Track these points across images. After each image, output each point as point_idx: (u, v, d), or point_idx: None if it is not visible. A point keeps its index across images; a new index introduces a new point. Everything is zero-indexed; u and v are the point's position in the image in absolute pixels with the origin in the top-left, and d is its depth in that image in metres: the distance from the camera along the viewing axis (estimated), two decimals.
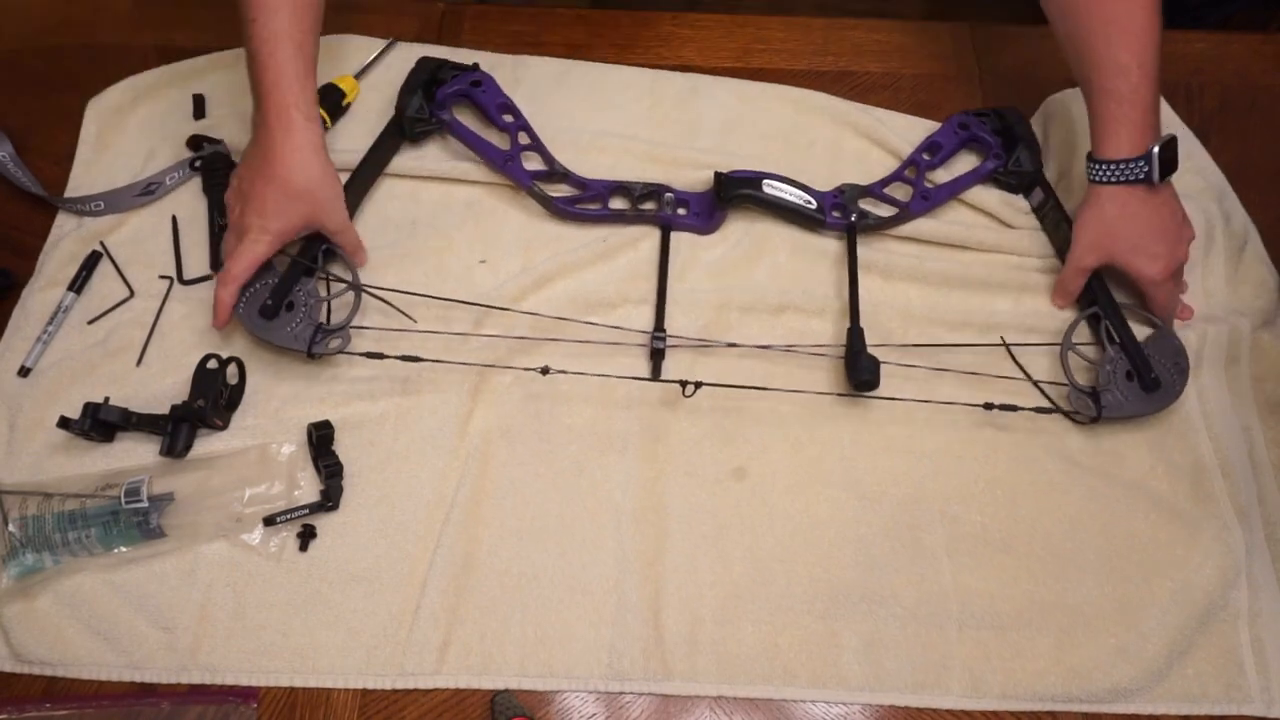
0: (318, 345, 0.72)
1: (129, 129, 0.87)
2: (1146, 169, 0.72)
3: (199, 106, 0.88)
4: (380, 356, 0.72)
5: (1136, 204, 0.74)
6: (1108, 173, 0.73)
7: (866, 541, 0.70)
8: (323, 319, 0.74)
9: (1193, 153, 0.89)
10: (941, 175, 0.86)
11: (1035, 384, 0.76)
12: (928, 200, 0.83)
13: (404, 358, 0.72)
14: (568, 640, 0.66)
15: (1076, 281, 0.78)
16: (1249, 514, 0.71)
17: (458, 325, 0.77)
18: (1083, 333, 0.79)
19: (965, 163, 0.88)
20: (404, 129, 0.85)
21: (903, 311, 0.80)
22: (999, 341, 0.78)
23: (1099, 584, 0.69)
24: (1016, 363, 0.78)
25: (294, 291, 0.74)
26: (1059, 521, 0.71)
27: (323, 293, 0.75)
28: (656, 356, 0.75)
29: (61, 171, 0.85)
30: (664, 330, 0.76)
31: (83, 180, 0.85)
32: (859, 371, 0.73)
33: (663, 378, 0.74)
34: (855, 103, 0.92)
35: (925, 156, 0.86)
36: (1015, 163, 0.85)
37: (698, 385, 0.72)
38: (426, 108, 0.85)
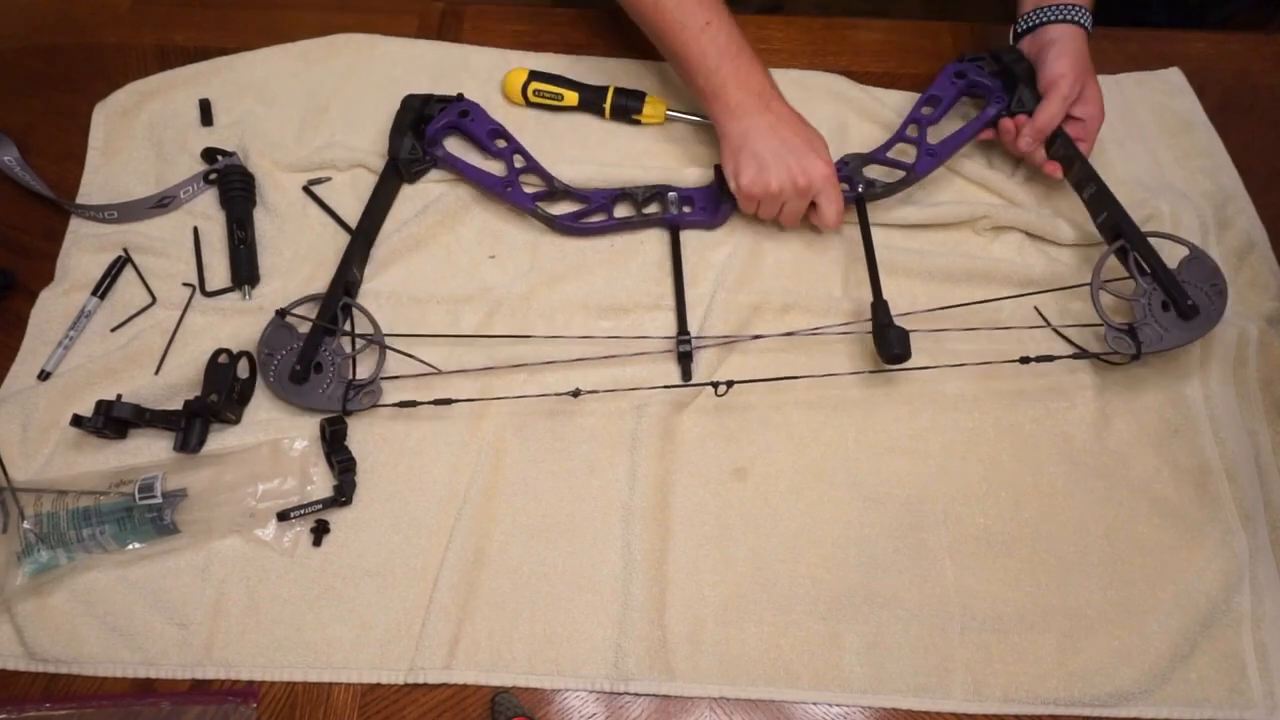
0: (351, 403, 0.67)
1: (137, 134, 0.82)
2: (1089, 15, 0.78)
3: (205, 112, 0.83)
4: (413, 404, 0.67)
5: (1082, 42, 0.78)
6: (1073, 13, 0.77)
7: (869, 543, 0.65)
8: (351, 375, 0.69)
9: (1211, 150, 0.84)
10: (944, 130, 0.80)
11: (1070, 342, 0.71)
12: (934, 157, 0.77)
13: (437, 402, 0.67)
14: (575, 639, 0.62)
15: (1058, 115, 0.75)
16: (1254, 518, 0.66)
17: (480, 339, 0.72)
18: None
19: (966, 113, 0.82)
20: (400, 172, 0.79)
21: (908, 307, 0.74)
22: (1027, 291, 0.73)
23: (1102, 587, 0.64)
24: (1041, 315, 0.73)
25: (320, 352, 0.69)
26: (1062, 524, 0.66)
27: (348, 349, 0.70)
28: (684, 360, 0.70)
29: (63, 171, 0.80)
30: (688, 333, 0.71)
31: (93, 184, 0.80)
32: (890, 345, 0.67)
33: (694, 381, 0.69)
34: (855, 82, 0.87)
35: (925, 111, 0.80)
36: (1018, 104, 0.78)
37: (730, 384, 0.67)
38: (419, 147, 0.78)
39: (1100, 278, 0.70)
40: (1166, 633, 0.62)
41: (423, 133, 0.79)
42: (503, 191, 0.77)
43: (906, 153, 0.79)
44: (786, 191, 0.71)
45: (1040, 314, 0.73)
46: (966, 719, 0.60)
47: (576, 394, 0.67)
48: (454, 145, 0.81)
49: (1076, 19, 0.77)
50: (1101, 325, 0.69)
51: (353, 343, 0.70)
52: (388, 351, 0.70)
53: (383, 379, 0.69)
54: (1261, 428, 0.70)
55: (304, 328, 0.70)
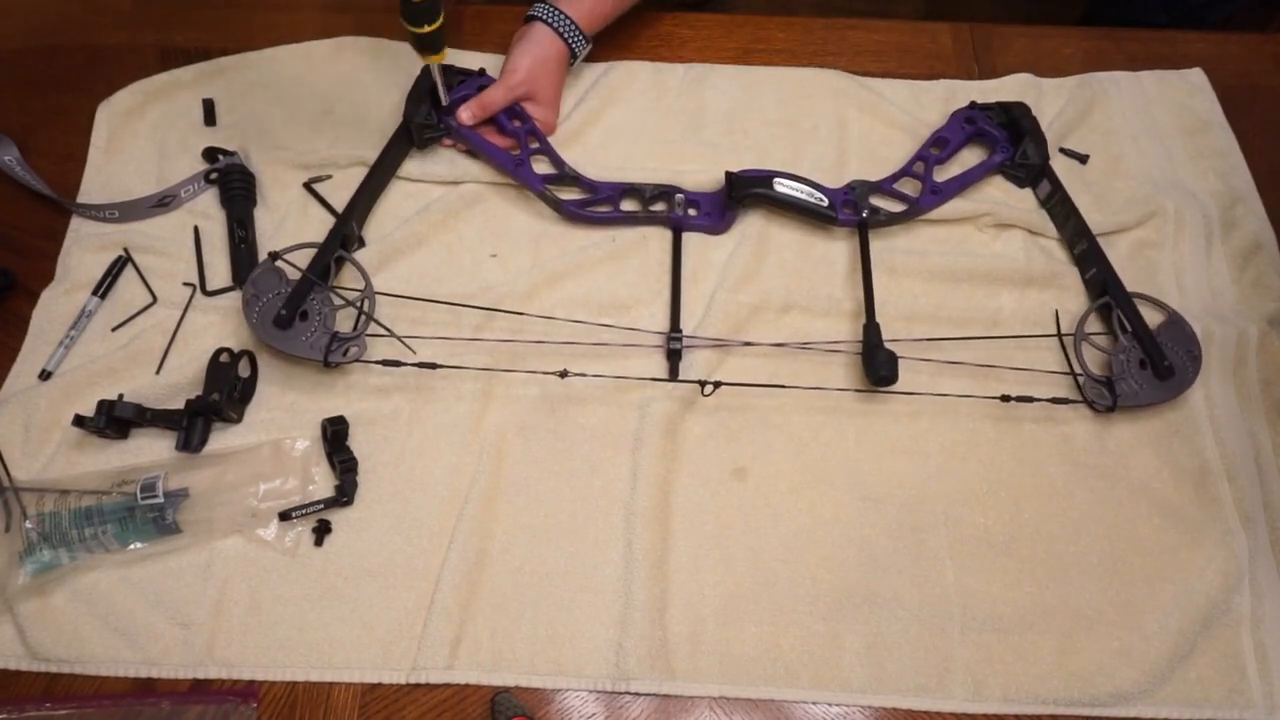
0: (333, 354, 0.67)
1: (140, 133, 0.82)
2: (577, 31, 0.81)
3: (209, 112, 0.83)
4: (396, 364, 0.67)
5: (553, 48, 0.80)
6: (555, 19, 0.79)
7: (869, 543, 0.65)
8: (338, 327, 0.69)
9: (1226, 151, 0.84)
10: (950, 170, 0.81)
11: (1073, 374, 0.71)
12: (937, 195, 0.79)
13: (421, 365, 0.67)
14: (576, 639, 0.62)
15: (502, 100, 0.78)
16: (1253, 519, 0.66)
17: (472, 325, 0.72)
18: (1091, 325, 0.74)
19: (972, 156, 0.83)
20: (412, 137, 0.79)
21: (909, 308, 0.75)
22: (1011, 334, 0.73)
23: (1102, 587, 0.64)
24: (1065, 352, 0.73)
25: (308, 300, 0.69)
26: (1062, 524, 0.66)
27: (336, 301, 0.70)
28: (674, 357, 0.70)
29: (63, 171, 0.80)
30: (680, 331, 0.71)
31: (94, 183, 0.79)
32: (877, 367, 0.68)
33: (681, 378, 0.69)
34: (854, 76, 0.88)
35: (933, 151, 0.81)
36: (1022, 155, 0.80)
37: (717, 385, 0.67)
38: (434, 114, 0.78)
39: (1083, 330, 0.72)
40: (1166, 633, 0.62)
41: (439, 101, 0.78)
42: (513, 170, 0.77)
43: (913, 187, 0.80)
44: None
45: (1066, 354, 0.72)
46: (966, 719, 0.60)
47: (564, 375, 0.67)
48: None
49: (556, 25, 0.79)
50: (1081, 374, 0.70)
51: (339, 298, 0.69)
52: (380, 317, 0.70)
53: (369, 335, 0.68)
54: (1261, 428, 0.69)
55: (295, 274, 0.70)
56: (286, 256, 0.71)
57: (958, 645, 0.61)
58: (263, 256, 0.75)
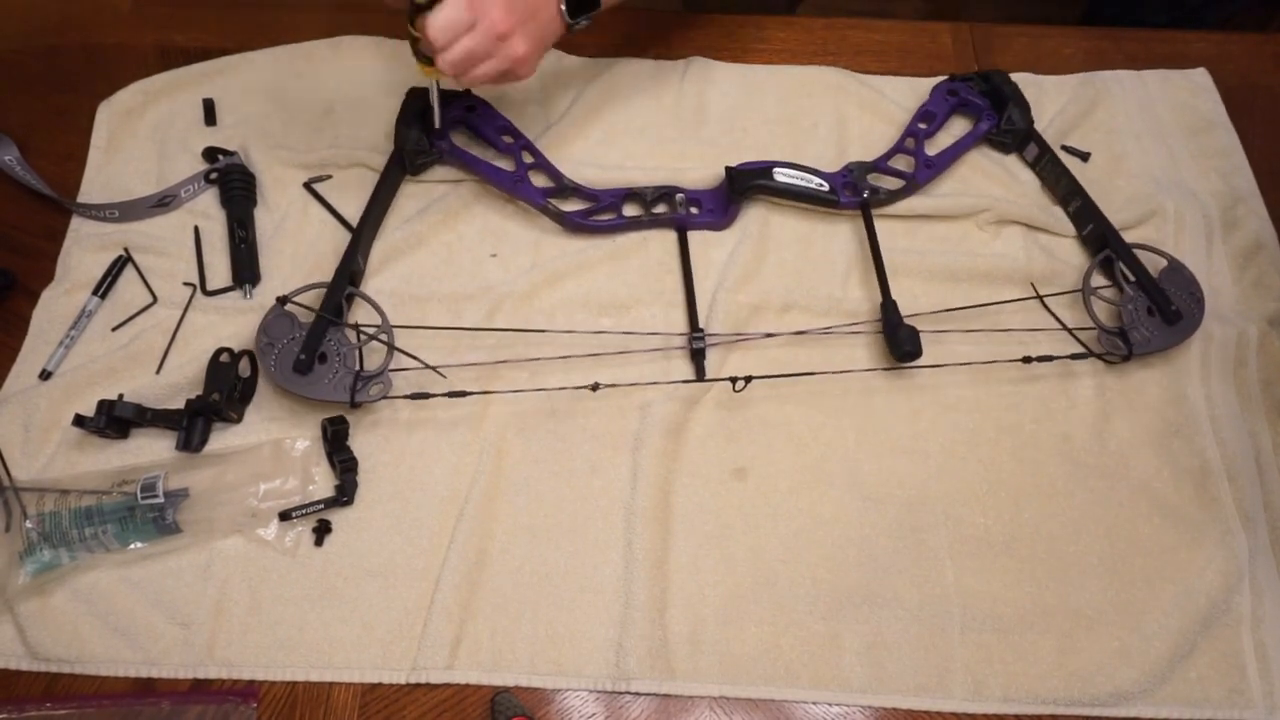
0: (360, 393, 0.66)
1: (140, 133, 0.82)
2: None
3: (209, 112, 0.83)
4: (425, 396, 0.66)
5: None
6: None
7: (869, 543, 0.65)
8: (358, 365, 0.68)
9: (1229, 151, 0.85)
10: (940, 142, 0.82)
11: (1074, 335, 0.72)
12: (931, 168, 0.80)
13: (451, 394, 0.66)
14: (577, 639, 0.62)
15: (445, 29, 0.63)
16: (1254, 518, 0.66)
17: (489, 342, 0.72)
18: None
19: (960, 127, 0.84)
20: (405, 164, 0.78)
21: (909, 308, 0.73)
22: (1028, 295, 0.75)
23: (1102, 587, 0.64)
24: (1051, 313, 0.74)
25: (325, 342, 0.68)
26: (1062, 524, 0.66)
27: (354, 339, 0.69)
28: (698, 357, 0.71)
29: (63, 171, 0.80)
30: (701, 330, 0.71)
31: (94, 183, 0.79)
32: (901, 343, 0.69)
33: (707, 377, 0.70)
34: (854, 73, 0.88)
35: (921, 126, 0.82)
36: (1007, 121, 0.81)
37: (748, 380, 0.67)
38: (425, 139, 0.77)
39: (1090, 285, 0.73)
40: (1166, 633, 0.62)
41: (429, 125, 0.78)
42: (512, 187, 0.77)
43: (907, 163, 0.80)
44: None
45: (1050, 311, 0.74)
46: (966, 719, 0.60)
47: (595, 388, 0.67)
48: (459, 141, 0.80)
49: None
50: (1093, 329, 0.71)
51: (358, 335, 0.69)
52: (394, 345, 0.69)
53: (390, 371, 0.68)
54: (1262, 428, 0.69)
55: (305, 316, 0.69)
56: (296, 298, 0.69)
57: (958, 645, 0.61)
58: (263, 256, 0.75)
